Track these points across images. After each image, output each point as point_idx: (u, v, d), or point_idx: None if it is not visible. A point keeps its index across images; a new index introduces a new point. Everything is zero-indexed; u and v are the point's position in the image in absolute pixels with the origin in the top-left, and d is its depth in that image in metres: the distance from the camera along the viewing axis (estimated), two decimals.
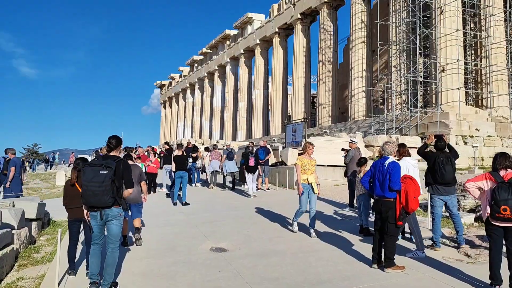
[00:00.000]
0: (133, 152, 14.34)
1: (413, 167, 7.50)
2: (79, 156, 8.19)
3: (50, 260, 6.73)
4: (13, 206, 7.89)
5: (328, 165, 16.46)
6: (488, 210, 5.22)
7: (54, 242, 7.43)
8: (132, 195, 6.89)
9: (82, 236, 6.41)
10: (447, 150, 7.58)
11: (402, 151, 7.70)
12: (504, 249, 5.31)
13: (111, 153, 5.52)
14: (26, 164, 43.87)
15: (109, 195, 5.13)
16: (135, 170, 7.50)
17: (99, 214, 5.23)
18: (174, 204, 12.72)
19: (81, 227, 6.24)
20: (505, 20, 23.69)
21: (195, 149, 18.59)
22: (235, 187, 16.54)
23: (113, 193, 5.16)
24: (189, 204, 12.56)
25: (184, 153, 14.10)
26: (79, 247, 6.71)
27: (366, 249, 7.29)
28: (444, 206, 7.59)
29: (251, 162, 14.60)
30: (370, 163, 8.64)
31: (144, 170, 11.45)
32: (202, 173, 19.34)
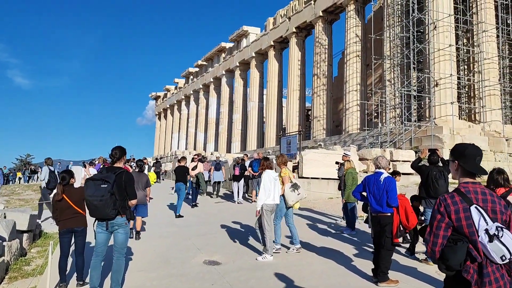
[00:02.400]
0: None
1: (274, 180, 7.90)
2: (65, 169, 8.17)
3: (41, 273, 6.66)
4: (4, 217, 7.82)
5: (322, 178, 16.46)
6: None
7: (45, 255, 7.35)
8: (139, 197, 8.73)
9: (73, 248, 6.35)
10: (440, 164, 7.63)
11: (265, 164, 8.05)
12: None
13: (115, 165, 5.56)
14: (18, 174, 43.58)
15: (110, 208, 5.21)
16: (142, 177, 9.75)
17: (105, 224, 5.34)
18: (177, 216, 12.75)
19: (72, 239, 6.19)
20: (497, 36, 23.99)
21: (203, 160, 19.37)
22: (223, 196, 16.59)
23: (115, 206, 5.24)
24: (182, 216, 12.55)
25: (186, 165, 14.67)
26: (70, 260, 6.64)
27: (360, 262, 7.28)
28: None
29: (236, 172, 16.20)
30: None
31: None
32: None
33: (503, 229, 2.69)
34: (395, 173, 8.50)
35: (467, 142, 18.60)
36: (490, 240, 2.67)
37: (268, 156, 8.34)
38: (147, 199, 9.73)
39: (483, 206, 2.81)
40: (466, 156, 2.96)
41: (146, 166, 17.59)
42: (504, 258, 2.64)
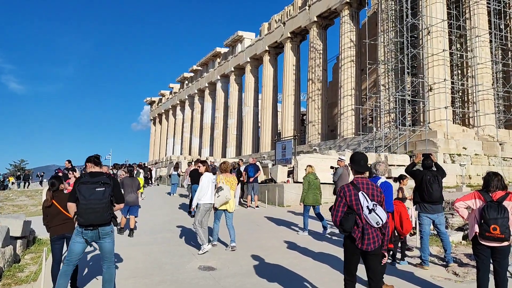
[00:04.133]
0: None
1: (211, 181, 8.74)
2: (54, 175, 8.29)
3: (35, 280, 6.61)
4: None
5: None
6: (477, 229, 5.22)
7: (39, 261, 7.29)
8: (133, 199, 10.64)
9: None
10: (434, 168, 7.65)
11: (206, 168, 9.01)
12: (491, 267, 5.33)
13: (99, 170, 5.43)
14: (11, 179, 43.30)
15: (108, 211, 5.11)
16: (135, 181, 11.03)
17: (95, 233, 5.11)
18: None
19: (64, 245, 6.13)
20: (490, 41, 24.17)
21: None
22: None
23: (111, 209, 5.16)
24: None
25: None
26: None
27: None
28: (432, 225, 7.62)
29: None
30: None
31: None
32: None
33: (377, 205, 4.48)
34: (402, 177, 8.50)
35: (461, 146, 18.57)
36: (370, 213, 4.45)
37: (205, 160, 10.33)
38: (139, 200, 11.05)
39: (366, 192, 4.54)
40: (355, 161, 4.73)
41: (135, 171, 17.71)
42: (378, 223, 4.46)
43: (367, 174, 9.23)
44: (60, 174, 13.09)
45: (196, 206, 8.76)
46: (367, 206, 4.45)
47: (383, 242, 4.59)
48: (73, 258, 5.22)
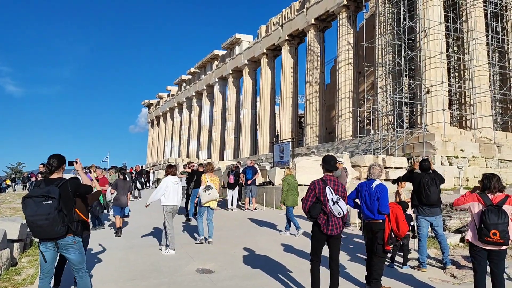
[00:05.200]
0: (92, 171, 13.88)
1: (173, 184, 9.02)
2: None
3: (32, 283, 6.58)
4: None
5: None
6: (474, 235, 5.21)
7: (36, 264, 7.27)
8: (123, 201, 11.29)
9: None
10: (431, 171, 7.66)
11: (169, 171, 9.30)
12: (488, 269, 5.33)
13: (53, 176, 4.92)
14: (7, 182, 43.16)
15: (59, 225, 4.62)
16: (126, 184, 11.56)
17: (54, 244, 4.76)
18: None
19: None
20: (487, 44, 24.27)
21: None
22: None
23: (64, 222, 4.65)
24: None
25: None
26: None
27: (353, 269, 7.28)
28: (429, 227, 7.63)
29: (231, 180, 16.20)
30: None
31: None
32: None
33: (340, 199, 5.44)
34: (399, 180, 8.50)
35: (459, 148, 18.61)
36: (333, 204, 5.39)
37: (172, 164, 11.15)
38: (128, 202, 11.66)
39: (332, 187, 5.49)
40: (326, 161, 5.68)
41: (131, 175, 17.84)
42: (340, 213, 5.41)
43: (339, 172, 10.55)
44: (34, 178, 12.80)
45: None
46: (332, 199, 5.39)
47: (342, 229, 5.59)
48: (45, 269, 4.88)
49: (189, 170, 15.52)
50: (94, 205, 11.16)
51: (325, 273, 7.20)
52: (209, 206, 9.65)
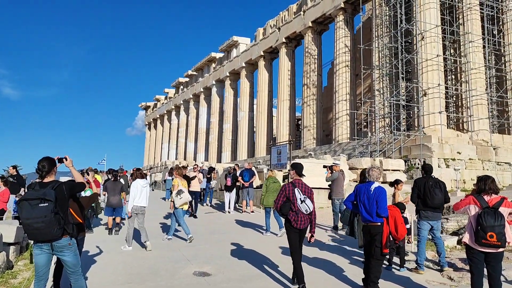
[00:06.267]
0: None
1: (142, 187, 9.75)
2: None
3: (28, 286, 6.55)
4: None
5: (312, 188, 16.40)
6: (472, 238, 5.21)
7: (32, 267, 7.23)
8: (116, 201, 11.84)
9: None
10: (433, 174, 7.69)
11: (136, 174, 10.12)
12: (485, 271, 5.33)
13: (45, 179, 4.90)
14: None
15: (55, 227, 4.63)
16: (118, 185, 12.06)
17: (50, 246, 4.77)
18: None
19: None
20: (484, 47, 24.36)
21: (210, 169, 20.11)
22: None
23: (59, 224, 4.66)
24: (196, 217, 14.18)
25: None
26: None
27: (350, 272, 7.27)
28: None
29: (228, 182, 16.28)
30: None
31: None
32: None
33: (307, 198, 6.43)
34: (397, 182, 8.52)
35: (456, 151, 18.70)
36: (301, 203, 6.37)
37: (139, 168, 12.17)
38: (124, 202, 11.96)
39: (301, 188, 6.52)
40: (296, 168, 6.84)
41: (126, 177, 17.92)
42: (307, 211, 6.38)
43: (336, 174, 11.47)
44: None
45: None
46: (300, 198, 6.39)
47: (311, 223, 6.52)
48: (40, 272, 4.87)
49: (196, 173, 16.55)
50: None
51: (324, 274, 7.20)
52: (182, 208, 10.43)
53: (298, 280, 6.27)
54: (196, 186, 16.11)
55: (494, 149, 22.10)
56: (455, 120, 24.98)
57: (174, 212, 10.42)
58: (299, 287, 6.20)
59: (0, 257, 7.29)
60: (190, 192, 15.70)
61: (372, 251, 6.17)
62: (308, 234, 6.54)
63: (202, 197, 19.26)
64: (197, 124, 51.99)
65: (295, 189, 6.45)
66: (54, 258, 5.17)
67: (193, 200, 15.62)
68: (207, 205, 18.82)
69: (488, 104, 24.07)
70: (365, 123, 27.78)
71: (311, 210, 6.42)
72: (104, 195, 11.73)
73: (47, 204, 4.57)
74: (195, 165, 19.94)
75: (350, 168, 18.91)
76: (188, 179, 14.30)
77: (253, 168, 17.38)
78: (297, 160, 18.57)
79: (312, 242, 6.55)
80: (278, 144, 27.24)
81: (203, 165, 30.74)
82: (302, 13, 32.45)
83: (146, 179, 10.70)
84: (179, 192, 10.30)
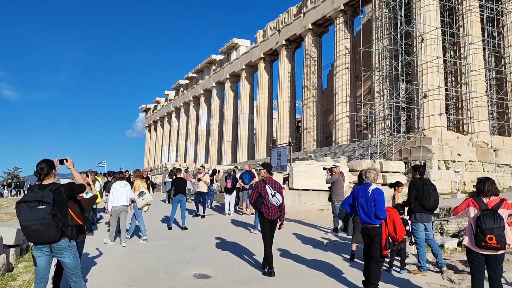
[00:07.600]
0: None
1: (121, 187, 10.29)
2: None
3: None
4: None
5: (312, 190, 16.45)
6: (472, 240, 5.20)
7: (32, 269, 7.22)
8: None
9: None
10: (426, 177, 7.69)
11: (117, 176, 10.79)
12: (486, 274, 5.32)
13: (44, 182, 4.89)
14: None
15: (54, 229, 4.62)
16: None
17: (48, 248, 4.77)
18: (169, 228, 12.80)
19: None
20: (484, 48, 24.37)
21: (213, 171, 20.19)
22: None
23: (58, 226, 4.66)
24: (187, 228, 12.68)
25: (184, 176, 15.14)
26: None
27: (350, 274, 7.26)
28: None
29: (228, 184, 16.40)
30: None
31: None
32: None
33: (277, 193, 7.44)
34: (397, 184, 8.50)
35: (456, 153, 18.70)
36: (272, 197, 7.39)
37: (139, 169, 13.24)
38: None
39: (271, 185, 7.48)
40: (267, 167, 7.84)
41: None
42: (277, 203, 7.44)
43: (336, 176, 11.82)
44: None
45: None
46: (271, 193, 7.39)
47: (280, 214, 7.53)
48: (40, 274, 4.87)
49: (202, 175, 16.67)
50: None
51: (323, 276, 7.19)
52: (142, 209, 10.83)
53: (268, 265, 7.25)
54: (203, 187, 16.26)
55: (494, 151, 22.09)
56: (455, 122, 24.97)
57: (134, 212, 10.86)
58: (267, 271, 7.19)
59: (0, 259, 7.28)
60: (198, 193, 16.24)
61: (371, 253, 6.16)
62: (278, 223, 7.57)
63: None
64: (197, 126, 52.00)
65: (266, 186, 7.46)
66: (54, 260, 5.17)
67: (201, 201, 16.11)
68: (207, 207, 18.79)
69: (488, 106, 24.06)
70: (365, 125, 27.79)
71: (281, 202, 7.49)
72: (106, 195, 11.70)
73: (45, 206, 4.56)
74: (202, 166, 19.99)
75: (350, 170, 18.90)
76: (148, 181, 15.11)
77: (253, 170, 17.37)
78: (297, 162, 18.57)
79: (282, 229, 7.70)
80: (278, 146, 27.24)
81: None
82: (302, 15, 32.50)
83: (129, 181, 11.49)
84: (141, 193, 10.70)
